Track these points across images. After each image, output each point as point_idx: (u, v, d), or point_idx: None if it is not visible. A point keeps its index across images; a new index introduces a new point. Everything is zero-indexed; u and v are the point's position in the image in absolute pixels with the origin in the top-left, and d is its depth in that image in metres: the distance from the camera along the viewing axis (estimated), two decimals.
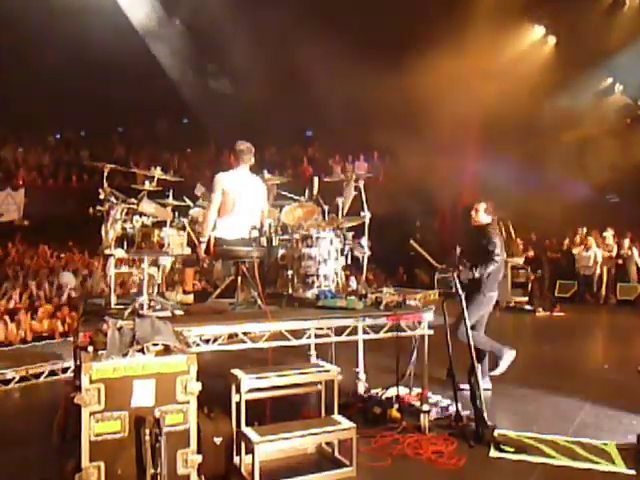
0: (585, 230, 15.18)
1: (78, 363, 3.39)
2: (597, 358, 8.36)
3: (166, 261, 5.04)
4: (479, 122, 15.01)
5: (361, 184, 6.08)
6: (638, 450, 4.28)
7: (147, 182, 5.47)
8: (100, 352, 3.31)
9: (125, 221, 4.53)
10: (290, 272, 5.60)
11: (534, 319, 11.87)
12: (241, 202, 5.08)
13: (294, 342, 4.38)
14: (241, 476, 3.91)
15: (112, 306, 4.42)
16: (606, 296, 14.35)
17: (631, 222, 14.75)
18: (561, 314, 12.17)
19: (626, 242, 14.40)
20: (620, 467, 4.15)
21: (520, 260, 13.65)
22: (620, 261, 14.34)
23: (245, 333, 4.23)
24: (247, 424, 3.99)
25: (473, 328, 5.47)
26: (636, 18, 13.63)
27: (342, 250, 5.81)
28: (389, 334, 4.76)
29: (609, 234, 14.91)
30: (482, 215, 6.03)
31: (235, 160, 5.21)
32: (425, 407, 4.81)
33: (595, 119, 15.82)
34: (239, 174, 5.19)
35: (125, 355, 3.26)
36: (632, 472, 4.07)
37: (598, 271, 14.37)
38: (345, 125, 15.00)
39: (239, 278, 5.16)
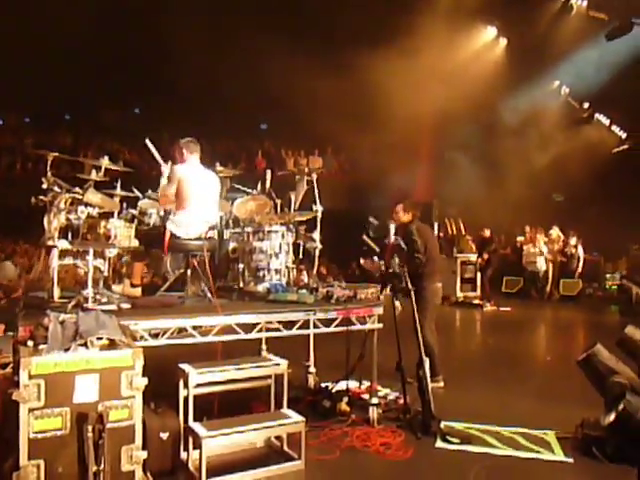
0: (529, 228, 15.61)
1: (17, 358, 3.25)
2: (540, 351, 8.63)
3: (113, 253, 4.91)
4: (432, 121, 15.23)
5: (314, 178, 6.07)
6: (576, 439, 4.43)
7: (94, 172, 5.31)
8: (41, 347, 3.19)
9: (70, 212, 4.39)
10: (241, 266, 5.56)
11: (481, 313, 12.15)
12: (197, 194, 5.00)
13: (244, 336, 4.34)
14: (188, 472, 3.85)
15: (55, 299, 4.28)
16: (550, 292, 14.81)
17: (575, 221, 15.28)
18: (507, 309, 12.49)
19: (572, 240, 14.88)
20: (559, 456, 4.29)
21: (471, 256, 13.92)
22: (564, 258, 14.81)
23: (194, 327, 4.17)
24: (195, 419, 3.94)
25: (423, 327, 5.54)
26: (582, 24, 14.07)
27: (294, 244, 5.80)
28: (340, 328, 4.77)
29: (555, 231, 15.40)
30: (402, 214, 6.18)
31: (181, 155, 5.13)
32: (374, 400, 4.85)
33: (542, 121, 16.31)
34: (193, 166, 5.11)
35: (67, 350, 3.15)
36: (570, 460, 4.21)
37: (543, 267, 14.80)
38: (300, 120, 14.95)
39: (189, 271, 5.09)
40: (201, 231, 5.01)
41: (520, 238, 15.53)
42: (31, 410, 3.02)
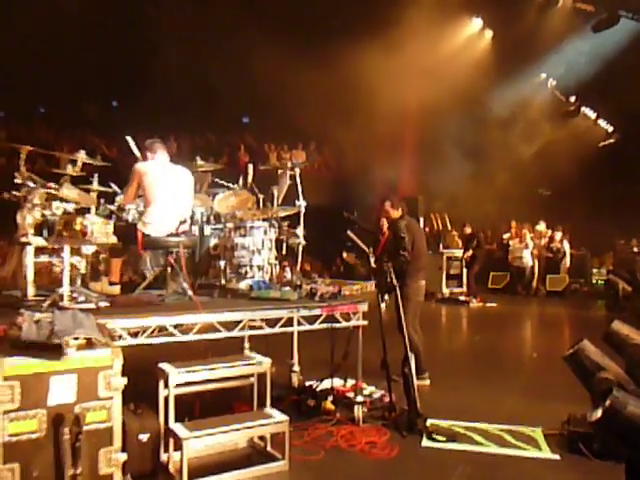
0: (515, 223, 15.73)
1: None
2: (527, 347, 8.71)
3: (90, 250, 4.86)
4: (417, 115, 15.28)
5: (297, 173, 6.06)
6: (563, 435, 4.48)
7: (70, 166, 5.25)
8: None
9: (45, 207, 4.33)
10: (222, 262, 5.54)
11: (468, 310, 12.23)
12: (164, 189, 4.97)
13: (226, 334, 4.32)
14: (169, 474, 3.83)
15: (29, 298, 4.22)
16: (537, 287, 14.95)
17: (561, 215, 15.43)
18: (494, 305, 12.59)
19: (558, 235, 15.01)
20: (546, 453, 4.33)
21: (457, 251, 13.99)
22: (550, 254, 14.95)
23: (175, 325, 4.14)
24: (176, 420, 3.92)
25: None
26: (569, 16, 14.17)
27: (277, 240, 5.79)
28: (324, 325, 4.78)
29: (542, 227, 15.53)
30: (391, 211, 6.21)
31: (146, 154, 5.14)
32: (359, 398, 4.86)
33: (529, 114, 16.43)
34: (159, 162, 5.10)
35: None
36: (557, 457, 4.26)
37: (530, 263, 14.92)
38: (283, 114, 14.91)
39: (169, 268, 5.07)
40: (172, 227, 5.00)
41: (507, 235, 15.65)
42: (5, 412, 2.97)
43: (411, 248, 5.95)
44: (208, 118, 16.90)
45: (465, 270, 13.79)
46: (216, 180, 6.69)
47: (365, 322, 4.93)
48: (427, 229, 14.62)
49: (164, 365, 4.11)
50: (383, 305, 5.06)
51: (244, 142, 18.91)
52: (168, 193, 5.00)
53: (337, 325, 4.84)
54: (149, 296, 4.79)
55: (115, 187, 6.09)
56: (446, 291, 13.67)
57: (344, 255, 11.22)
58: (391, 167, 14.87)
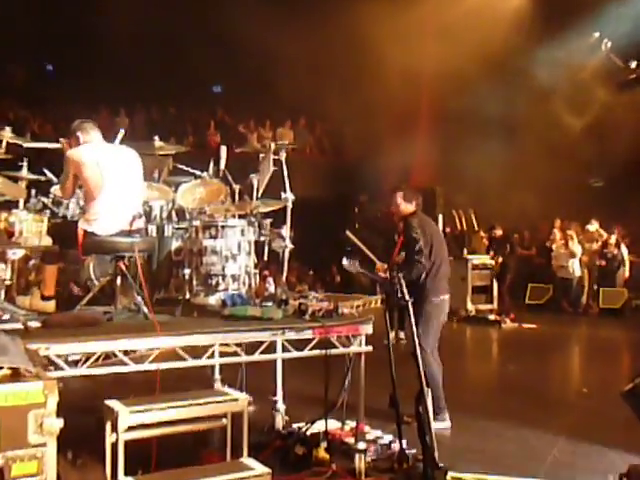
0: (559, 222, 15.76)
1: None
2: (574, 381, 8.73)
3: (17, 255, 4.85)
4: (435, 85, 15.33)
5: (283, 157, 6.06)
6: None
7: None
8: None
9: None
10: (187, 271, 5.54)
11: (499, 332, 12.26)
12: (109, 178, 4.96)
13: (192, 363, 4.32)
14: None
15: None
16: (587, 304, 14.98)
17: (618, 213, 15.42)
18: (532, 326, 12.62)
19: (612, 237, 15.00)
20: None
21: (485, 258, 14.02)
22: (604, 261, 14.91)
23: (126, 352, 4.13)
24: (127, 473, 3.90)
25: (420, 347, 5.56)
26: None
27: (257, 242, 5.79)
28: (316, 352, 4.76)
29: (593, 227, 15.47)
30: (403, 205, 6.16)
31: (77, 141, 5.09)
32: (361, 445, 4.85)
33: (576, 84, 16.45)
34: (98, 145, 5.10)
35: None
36: None
37: (578, 273, 14.93)
38: (264, 81, 14.94)
39: (118, 279, 5.06)
40: (122, 224, 5.00)
41: (553, 236, 15.60)
42: None
43: (429, 253, 5.95)
44: (169, 87, 16.86)
45: (496, 281, 13.82)
46: (179, 166, 6.69)
47: (369, 348, 4.93)
48: (447, 229, 14.65)
49: (112, 403, 4.09)
50: (394, 335, 5.08)
51: (215, 118, 18.90)
52: (115, 182, 4.99)
53: (333, 351, 4.83)
54: (93, 314, 4.77)
55: (50, 175, 6.08)
56: (471, 308, 13.71)
57: (344, 262, 11.30)
58: (402, 150, 14.89)
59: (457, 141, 15.32)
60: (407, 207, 6.17)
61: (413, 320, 5.13)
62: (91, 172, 4.91)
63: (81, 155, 4.94)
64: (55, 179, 6.00)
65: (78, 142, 5.09)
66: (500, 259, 13.44)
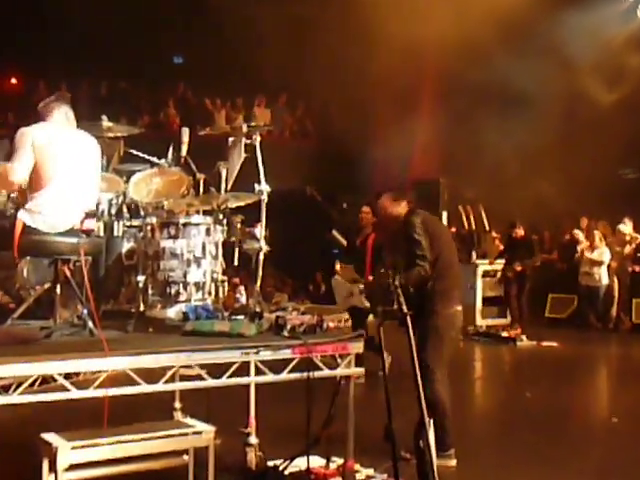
0: (586, 220, 15.82)
1: None
2: (602, 410, 8.77)
3: None
4: (439, 57, 15.35)
5: (256, 142, 6.04)
6: None
7: None
8: None
9: None
10: (141, 278, 5.53)
11: (514, 351, 12.30)
12: (62, 167, 4.98)
13: (147, 388, 4.29)
14: None
15: None
16: (617, 317, 15.03)
17: None
18: (553, 344, 12.67)
19: None
20: None
21: (498, 263, 14.05)
22: (637, 268, 14.94)
23: (67, 375, 4.11)
24: None
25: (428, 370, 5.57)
26: None
27: (225, 244, 5.79)
28: (297, 375, 4.77)
29: (626, 227, 15.48)
30: (390, 208, 6.19)
31: (41, 116, 5.16)
32: None
33: (608, 56, 16.50)
34: (53, 128, 5.12)
35: None
36: None
37: (606, 281, 14.97)
38: (235, 50, 14.88)
39: (58, 287, 5.02)
40: (73, 221, 5.01)
41: (578, 237, 15.63)
42: None
43: (435, 257, 5.95)
44: (118, 57, 16.77)
45: (511, 291, 13.84)
46: (131, 151, 6.66)
47: (360, 370, 4.92)
48: (453, 229, 14.68)
49: (50, 436, 4.08)
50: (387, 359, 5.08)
51: (175, 94, 18.85)
52: (70, 171, 5.01)
53: (317, 374, 4.82)
54: (27, 329, 4.76)
55: None
56: (482, 322, 13.76)
57: (337, 267, 11.24)
58: (400, 134, 14.91)
59: (466, 123, 15.35)
60: (396, 209, 6.18)
61: (412, 334, 5.14)
62: (42, 157, 4.91)
63: (37, 136, 4.95)
64: None
65: (43, 113, 5.16)
66: (518, 268, 13.44)
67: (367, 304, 6.09)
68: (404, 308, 5.07)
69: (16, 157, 4.93)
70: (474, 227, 15.41)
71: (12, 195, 5.44)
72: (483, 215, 15.36)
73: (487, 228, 15.41)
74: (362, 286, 6.45)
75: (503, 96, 15.12)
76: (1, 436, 3.42)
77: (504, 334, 13.18)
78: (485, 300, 13.93)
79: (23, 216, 4.90)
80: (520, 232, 13.93)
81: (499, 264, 14.06)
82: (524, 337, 12.83)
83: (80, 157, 5.15)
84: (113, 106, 14.41)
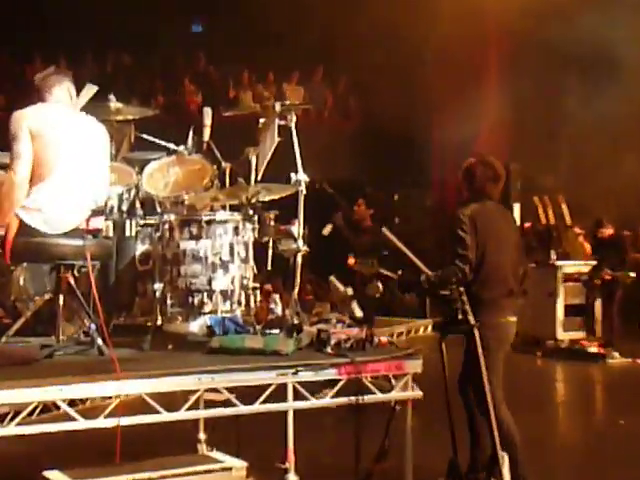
0: None
1: None
2: None
3: None
4: (506, 16, 15.23)
5: (292, 124, 6.05)
6: None
7: None
8: None
9: None
10: (158, 286, 5.55)
11: (604, 370, 12.18)
12: (66, 156, 5.00)
13: (166, 417, 4.31)
14: None
15: None
16: None
17: None
18: None
19: None
20: None
21: (584, 265, 13.91)
22: None
23: (72, 402, 4.14)
24: None
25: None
26: None
27: (256, 245, 5.80)
28: (342, 400, 4.77)
29: None
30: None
31: (40, 98, 5.18)
32: None
33: None
34: (54, 110, 5.14)
35: None
36: None
37: None
38: (265, 17, 14.91)
39: (61, 297, 5.06)
40: (77, 220, 5.03)
41: None
42: None
43: (481, 257, 5.95)
44: (127, 25, 16.90)
45: (599, 299, 13.73)
46: (144, 136, 6.69)
47: (419, 393, 4.91)
48: (527, 225, 14.58)
49: (53, 474, 4.11)
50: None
51: (194, 69, 18.92)
52: (71, 160, 5.03)
53: (367, 398, 4.83)
54: (25, 348, 4.80)
55: None
56: (563, 336, 13.63)
57: (350, 260, 11.20)
58: (461, 111, 14.83)
59: (540, 97, 15.20)
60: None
61: (480, 351, 5.12)
62: (42, 143, 4.94)
63: (35, 120, 4.97)
64: None
65: (41, 92, 5.19)
66: (608, 274, 13.28)
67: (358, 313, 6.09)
68: (471, 319, 5.07)
69: (14, 154, 4.93)
70: (553, 222, 15.26)
71: None
72: (564, 207, 15.19)
73: (569, 223, 15.25)
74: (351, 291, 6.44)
75: (587, 61, 14.94)
76: None
77: (592, 350, 13.05)
78: (568, 309, 13.78)
79: (20, 213, 4.91)
80: (608, 231, 13.77)
81: (586, 265, 13.90)
82: (616, 354, 12.70)
83: (86, 144, 5.16)
84: (122, 84, 14.52)
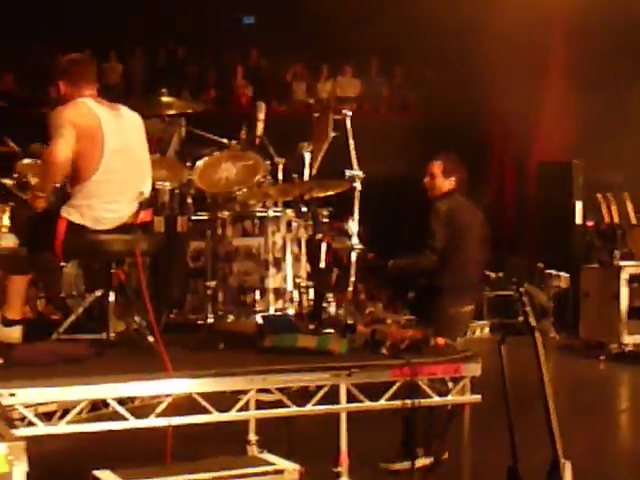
0: None
1: None
2: None
3: None
4: (569, 14, 15.10)
5: (347, 118, 6.05)
6: None
7: None
8: None
9: None
10: (211, 283, 5.57)
11: None
12: (108, 151, 5.01)
13: (217, 417, 4.33)
14: None
15: None
16: None
17: None
18: None
19: None
20: None
21: None
22: None
23: (122, 401, 4.18)
24: None
25: None
26: None
27: (310, 242, 5.81)
28: (396, 403, 4.76)
29: None
30: (440, 179, 6.51)
31: (67, 89, 5.18)
32: None
33: None
34: (93, 104, 5.11)
35: None
36: None
37: None
38: (317, 9, 14.90)
39: (112, 294, 5.12)
40: (124, 216, 5.07)
41: None
42: None
43: (451, 251, 6.14)
44: (177, 19, 16.99)
45: None
46: (196, 131, 6.72)
47: (477, 397, 4.91)
48: (590, 223, 14.44)
49: (103, 474, 4.15)
50: None
51: (245, 62, 18.96)
52: (117, 156, 5.05)
53: (423, 402, 4.82)
54: (76, 345, 4.84)
55: (12, 144, 6.18)
56: (628, 340, 13.47)
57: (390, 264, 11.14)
58: (523, 104, 14.73)
59: (606, 88, 15.04)
60: (444, 182, 6.38)
61: (541, 352, 5.07)
62: (85, 140, 4.96)
63: (71, 114, 4.99)
64: (19, 150, 6.09)
65: (66, 89, 5.18)
66: None
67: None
68: (532, 321, 5.03)
69: (56, 134, 4.93)
70: (617, 220, 15.09)
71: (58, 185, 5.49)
72: (629, 205, 15.03)
73: (634, 221, 15.08)
74: None
75: None
76: (47, 472, 3.49)
77: None
78: (632, 311, 13.62)
79: (66, 213, 4.97)
80: None
81: None
82: None
83: (129, 136, 5.18)
84: (173, 78, 14.61)
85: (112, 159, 5.02)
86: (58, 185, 5.38)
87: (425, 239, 6.22)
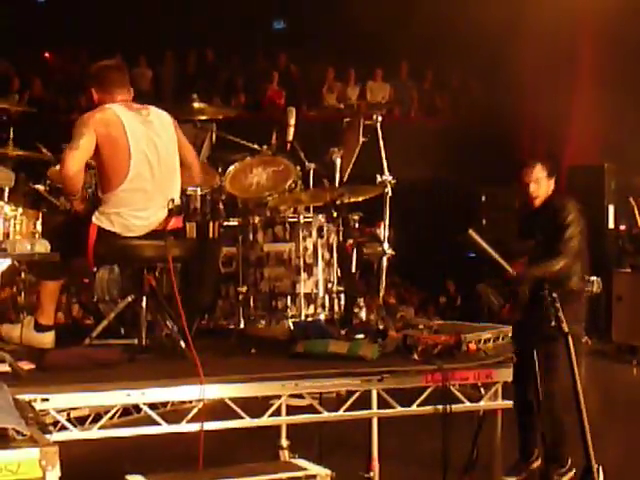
0: None
1: None
2: None
3: (2, 266, 4.97)
4: (600, 16, 15.00)
5: (377, 123, 6.04)
6: None
7: None
8: None
9: None
10: (242, 288, 5.58)
11: None
12: (138, 157, 5.01)
13: (250, 422, 4.35)
14: None
15: None
16: None
17: None
18: None
19: None
20: None
21: None
22: None
23: (154, 406, 4.18)
24: None
25: None
26: None
27: (340, 247, 5.80)
28: (428, 408, 4.74)
29: None
30: (544, 181, 6.19)
31: (98, 96, 5.19)
32: None
33: None
34: (121, 111, 5.08)
35: None
36: None
37: None
38: (347, 13, 14.89)
39: (144, 299, 5.13)
40: (155, 222, 5.07)
41: None
42: None
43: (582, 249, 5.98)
44: (210, 25, 17.02)
45: None
46: (227, 137, 6.73)
47: (508, 402, 4.88)
48: (622, 227, 14.34)
49: (135, 479, 4.15)
50: None
51: (276, 67, 18.98)
52: (147, 161, 5.05)
53: (455, 407, 4.79)
54: (108, 351, 4.84)
55: (45, 150, 6.20)
56: None
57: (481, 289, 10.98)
58: (553, 108, 14.64)
59: (637, 91, 14.91)
60: (550, 184, 6.20)
61: (574, 359, 5.05)
62: (114, 146, 4.97)
63: (104, 120, 4.99)
64: (51, 156, 6.12)
65: (97, 95, 5.20)
66: None
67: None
68: (564, 327, 5.00)
69: (72, 145, 4.91)
70: None
71: (91, 190, 5.50)
72: None
73: None
74: None
75: None
76: (78, 478, 3.50)
77: None
78: None
79: (97, 220, 4.99)
80: None
81: None
82: None
83: (158, 142, 5.14)
84: (203, 83, 14.63)
85: (140, 167, 5.01)
86: (90, 190, 5.42)
87: (561, 244, 5.95)
